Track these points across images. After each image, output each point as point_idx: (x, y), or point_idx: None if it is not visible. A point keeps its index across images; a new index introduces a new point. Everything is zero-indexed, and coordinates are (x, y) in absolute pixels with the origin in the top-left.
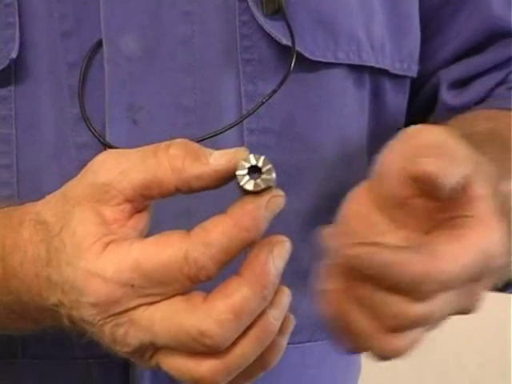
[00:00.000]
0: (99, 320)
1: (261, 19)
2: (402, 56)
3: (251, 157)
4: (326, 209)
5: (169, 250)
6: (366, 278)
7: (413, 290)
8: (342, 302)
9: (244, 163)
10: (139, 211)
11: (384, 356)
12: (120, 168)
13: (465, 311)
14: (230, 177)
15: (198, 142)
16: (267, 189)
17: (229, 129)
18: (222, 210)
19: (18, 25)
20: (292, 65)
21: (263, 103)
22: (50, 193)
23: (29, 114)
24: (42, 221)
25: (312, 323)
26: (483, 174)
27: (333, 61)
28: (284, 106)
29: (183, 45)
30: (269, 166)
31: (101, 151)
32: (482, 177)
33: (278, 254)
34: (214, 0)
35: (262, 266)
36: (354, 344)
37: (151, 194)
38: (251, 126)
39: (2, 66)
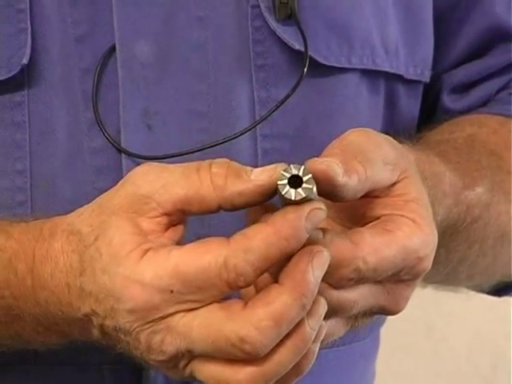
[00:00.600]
0: (136, 327)
1: (273, 24)
2: (415, 61)
3: (292, 166)
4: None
5: (208, 256)
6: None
7: (328, 274)
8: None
9: (284, 173)
10: (175, 224)
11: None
12: (162, 181)
13: (388, 311)
14: (272, 192)
15: (211, 147)
16: (308, 198)
17: (241, 134)
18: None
19: (30, 30)
20: (305, 70)
21: (276, 108)
22: (63, 198)
23: (42, 119)
24: (76, 231)
25: None
26: (425, 181)
27: (346, 66)
28: (298, 111)
29: (196, 50)
30: (309, 176)
31: (115, 156)
32: (418, 183)
33: (317, 264)
34: (227, 6)
35: (303, 274)
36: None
37: (191, 210)
38: (265, 131)
39: (14, 72)
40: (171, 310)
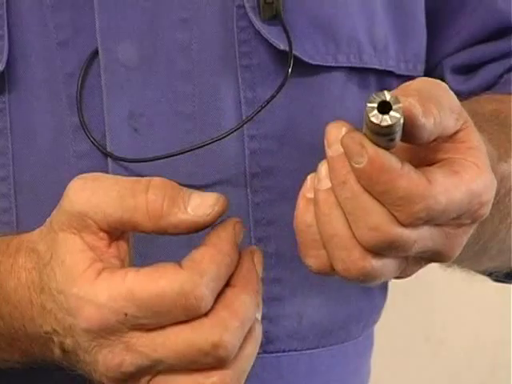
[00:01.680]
0: (94, 346)
1: (258, 24)
2: (407, 56)
3: (385, 92)
4: None
5: (163, 281)
6: (357, 177)
7: (398, 207)
8: (325, 203)
9: (376, 97)
10: (117, 239)
11: (350, 272)
12: (96, 200)
13: (442, 256)
14: (207, 226)
15: (197, 148)
16: (393, 129)
17: (227, 135)
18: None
19: (6, 36)
20: (289, 70)
21: (262, 109)
22: (49, 204)
23: (25, 124)
24: (35, 249)
25: (319, 329)
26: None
27: (333, 64)
28: (285, 111)
29: (181, 52)
30: (399, 105)
31: (101, 160)
32: (478, 134)
33: (258, 262)
34: (212, 6)
35: (251, 273)
36: (322, 259)
37: (125, 230)
38: (252, 132)
39: None
40: (127, 331)
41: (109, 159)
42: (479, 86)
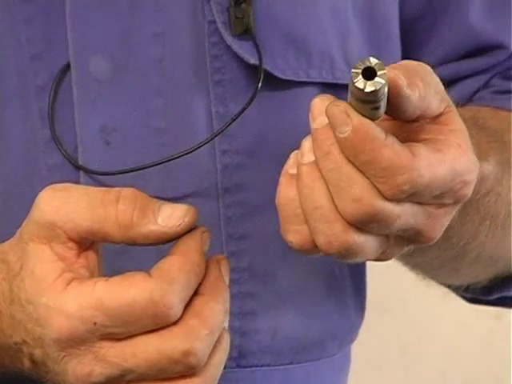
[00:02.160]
0: (64, 357)
1: (229, 40)
2: None
3: (370, 58)
4: None
5: (133, 290)
6: (341, 148)
7: (382, 178)
8: (308, 176)
9: (361, 63)
10: (86, 250)
11: (331, 246)
12: (66, 209)
13: (424, 236)
14: (177, 237)
15: (167, 161)
16: (377, 95)
17: (196, 149)
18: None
19: None
20: (259, 84)
21: (231, 122)
22: (22, 216)
23: None
24: (6, 260)
25: (293, 345)
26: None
27: (305, 79)
28: (257, 125)
29: (153, 66)
30: (384, 71)
31: (73, 173)
32: (461, 119)
33: (225, 271)
34: (184, 21)
35: (219, 281)
36: (303, 234)
37: (95, 240)
38: (224, 147)
39: None
40: (96, 341)
41: (81, 172)
42: (454, 101)
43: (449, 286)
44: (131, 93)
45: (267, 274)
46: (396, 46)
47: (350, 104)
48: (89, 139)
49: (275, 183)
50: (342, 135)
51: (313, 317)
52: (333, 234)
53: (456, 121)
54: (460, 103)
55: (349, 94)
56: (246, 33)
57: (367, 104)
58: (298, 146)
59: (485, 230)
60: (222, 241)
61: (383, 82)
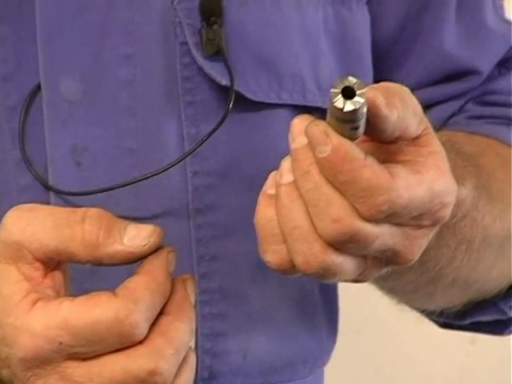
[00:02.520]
0: (30, 376)
1: (201, 61)
2: None
3: (349, 77)
4: None
5: (98, 310)
6: (321, 168)
7: (361, 199)
8: (286, 196)
9: (339, 82)
10: (52, 270)
11: (310, 265)
12: (32, 229)
13: (402, 258)
14: (143, 257)
15: (137, 182)
16: (356, 115)
17: (167, 169)
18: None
19: None
20: (230, 106)
21: (202, 143)
22: None
23: None
24: None
25: (264, 367)
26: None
27: (277, 101)
28: (228, 147)
29: (125, 87)
30: (363, 91)
31: (43, 194)
32: (438, 141)
33: (191, 290)
34: (156, 43)
35: (185, 301)
36: (282, 254)
37: (61, 260)
38: (195, 168)
39: None
40: (62, 361)
41: (51, 193)
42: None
43: (423, 311)
44: (102, 114)
45: (238, 295)
46: (368, 70)
47: (330, 124)
48: (59, 160)
49: (246, 205)
50: (321, 155)
51: (284, 339)
52: (311, 253)
53: (434, 143)
54: (435, 128)
55: (328, 114)
56: (217, 54)
57: (346, 123)
58: (269, 168)
59: (461, 255)
60: (192, 262)
61: (362, 101)
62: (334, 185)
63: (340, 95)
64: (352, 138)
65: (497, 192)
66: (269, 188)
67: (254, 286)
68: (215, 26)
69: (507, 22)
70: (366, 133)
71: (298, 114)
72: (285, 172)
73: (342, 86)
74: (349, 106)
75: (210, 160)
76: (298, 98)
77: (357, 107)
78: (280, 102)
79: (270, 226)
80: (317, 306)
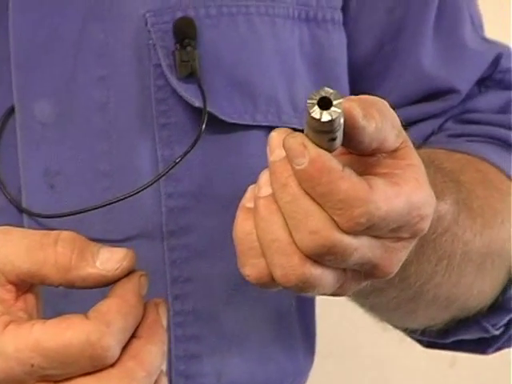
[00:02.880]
0: None
1: (174, 83)
2: None
3: (325, 88)
4: None
5: (70, 332)
6: (299, 180)
7: (339, 211)
8: (265, 209)
9: (315, 93)
10: (25, 292)
11: (288, 278)
12: (5, 251)
13: (381, 270)
14: (116, 280)
15: (110, 204)
16: (334, 126)
17: (139, 191)
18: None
19: None
20: (203, 128)
21: (174, 165)
22: None
23: None
24: None
25: None
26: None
27: (251, 123)
28: (203, 168)
29: (98, 110)
30: (340, 101)
31: (16, 216)
32: (416, 154)
33: (162, 313)
34: (129, 65)
35: (157, 324)
36: (260, 267)
37: (34, 282)
38: (169, 190)
39: None
40: (34, 383)
41: (24, 215)
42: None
43: (405, 330)
44: (75, 136)
45: (212, 316)
46: (345, 90)
47: (307, 136)
48: (33, 182)
49: (221, 226)
50: (299, 167)
51: (259, 360)
52: (290, 266)
53: (413, 156)
54: (415, 145)
55: (305, 126)
56: (191, 76)
57: (324, 134)
58: (243, 189)
59: (442, 270)
60: (166, 284)
61: (339, 111)
62: (313, 197)
63: (316, 106)
64: (330, 150)
65: (477, 208)
66: (247, 201)
67: (229, 307)
68: (189, 48)
69: (486, 40)
70: (343, 144)
71: None
72: (263, 185)
73: (318, 97)
74: (326, 117)
75: (184, 181)
76: (273, 119)
77: (334, 117)
78: (254, 123)
79: (249, 240)
80: (293, 325)
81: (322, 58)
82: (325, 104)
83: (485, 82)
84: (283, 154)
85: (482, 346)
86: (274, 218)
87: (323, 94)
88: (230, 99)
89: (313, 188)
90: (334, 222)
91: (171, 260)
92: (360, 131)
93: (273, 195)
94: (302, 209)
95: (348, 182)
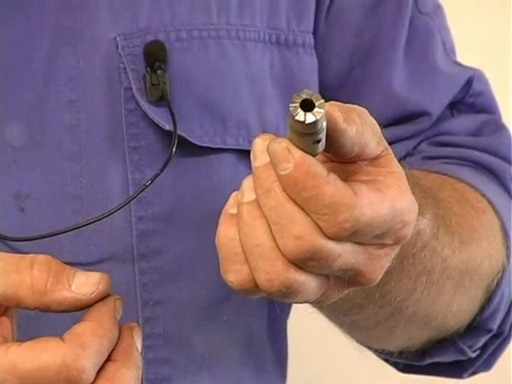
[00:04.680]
0: None
1: (145, 106)
2: None
3: (305, 91)
4: (221, 293)
5: (45, 355)
6: (283, 185)
7: (323, 216)
8: (248, 214)
9: (296, 97)
10: (0, 315)
11: (272, 283)
12: None
13: (364, 277)
14: (91, 304)
15: (80, 227)
16: (318, 127)
17: (109, 215)
18: None
19: None
20: (173, 151)
21: (144, 188)
22: None
23: None
24: None
25: None
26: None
27: (221, 146)
28: (173, 192)
29: (69, 133)
30: (322, 101)
31: None
32: (397, 162)
33: (137, 337)
34: (100, 88)
35: (132, 348)
36: (244, 274)
37: (9, 306)
38: (139, 213)
39: None
40: None
41: None
42: None
43: (382, 352)
44: (46, 159)
45: (182, 339)
46: None
47: (291, 140)
48: (3, 206)
49: (191, 249)
50: (283, 172)
51: (230, 383)
52: (273, 271)
53: (394, 163)
54: None
55: (288, 131)
56: (161, 99)
57: (308, 137)
58: (214, 212)
59: (421, 286)
60: (137, 307)
61: (322, 111)
62: (297, 202)
63: (300, 109)
64: (314, 154)
65: (455, 224)
66: (230, 208)
67: (200, 330)
68: (159, 72)
69: (458, 64)
70: (326, 149)
71: (245, 158)
72: (246, 191)
73: (300, 100)
74: (310, 118)
75: (154, 205)
76: (244, 142)
77: (318, 118)
78: (225, 146)
79: (232, 246)
80: (264, 349)
81: (293, 81)
82: (307, 106)
83: (457, 106)
84: (267, 159)
85: (457, 369)
86: (257, 223)
87: (304, 97)
88: (201, 122)
89: (298, 193)
90: (319, 227)
91: (142, 283)
92: (341, 134)
93: (256, 201)
94: (287, 214)
95: (333, 187)
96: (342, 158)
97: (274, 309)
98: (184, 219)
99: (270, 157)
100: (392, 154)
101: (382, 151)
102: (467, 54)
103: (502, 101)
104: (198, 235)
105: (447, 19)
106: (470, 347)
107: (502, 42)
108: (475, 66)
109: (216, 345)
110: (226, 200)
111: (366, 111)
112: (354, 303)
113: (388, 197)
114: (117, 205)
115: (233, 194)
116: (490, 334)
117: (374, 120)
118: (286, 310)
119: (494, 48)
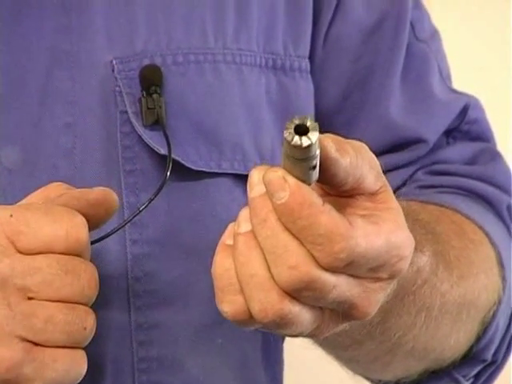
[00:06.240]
0: None
1: (140, 130)
2: None
3: (297, 117)
4: (215, 317)
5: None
6: (279, 215)
7: (319, 246)
8: (244, 244)
9: (289, 123)
10: None
11: (267, 314)
12: None
13: (358, 311)
14: None
15: None
16: (313, 149)
17: (104, 238)
18: None
19: None
20: (167, 175)
21: (139, 212)
22: None
23: None
24: None
25: None
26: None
27: (217, 170)
28: (168, 215)
29: (64, 156)
30: (315, 124)
31: None
32: (395, 199)
33: None
34: (96, 111)
35: None
36: (238, 304)
37: None
38: (134, 236)
39: None
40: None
41: None
42: None
43: (379, 382)
44: (41, 182)
45: (176, 363)
46: None
47: (285, 168)
48: None
49: (186, 273)
50: (279, 201)
51: None
52: (268, 301)
53: (391, 200)
54: None
55: (283, 159)
56: (157, 123)
57: (304, 163)
58: (209, 236)
59: (420, 322)
60: (131, 330)
61: (317, 134)
62: (293, 232)
63: (295, 134)
64: (309, 183)
65: (453, 259)
66: (227, 238)
67: (193, 354)
68: (155, 95)
69: (454, 91)
70: (319, 178)
71: (240, 182)
72: (242, 221)
73: (293, 126)
74: (306, 141)
75: (149, 228)
76: (239, 167)
77: (313, 141)
78: (220, 171)
79: (227, 276)
80: (259, 374)
81: (289, 106)
82: (301, 131)
83: (452, 133)
84: (263, 190)
85: None
86: (252, 253)
87: (297, 122)
88: (196, 147)
89: (293, 222)
90: (313, 257)
91: (136, 306)
92: (333, 162)
93: (252, 231)
94: (282, 243)
95: (328, 217)
96: (337, 190)
97: (268, 333)
98: (179, 243)
99: (265, 186)
100: (390, 191)
101: (381, 187)
102: (467, 56)
103: (503, 100)
104: (193, 259)
105: (447, 19)
106: (464, 376)
107: (503, 41)
108: (475, 66)
109: (210, 368)
110: (222, 224)
111: (365, 146)
112: (354, 340)
113: (384, 230)
114: (111, 228)
115: (230, 224)
116: (485, 364)
117: (372, 154)
118: (281, 335)
119: (494, 48)
